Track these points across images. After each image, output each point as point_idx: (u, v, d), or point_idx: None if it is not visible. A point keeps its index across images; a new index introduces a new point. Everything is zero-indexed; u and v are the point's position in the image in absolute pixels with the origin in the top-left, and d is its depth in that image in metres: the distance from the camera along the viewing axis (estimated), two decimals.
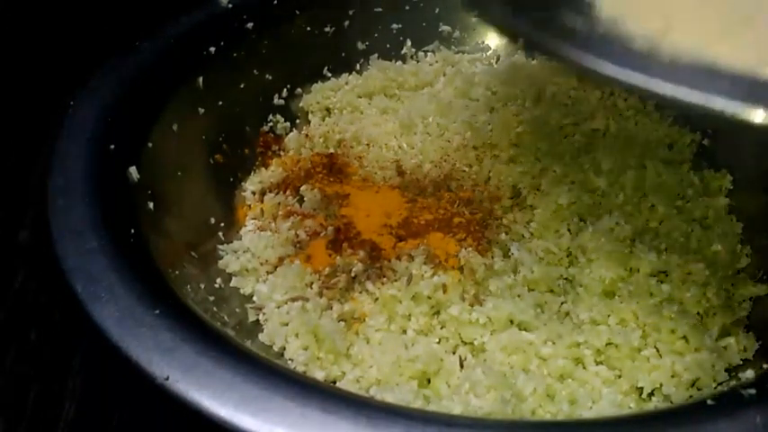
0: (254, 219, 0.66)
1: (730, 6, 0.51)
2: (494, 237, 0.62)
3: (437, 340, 0.56)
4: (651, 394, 0.53)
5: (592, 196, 0.64)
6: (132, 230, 0.54)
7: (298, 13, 0.75)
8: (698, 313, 0.57)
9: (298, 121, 0.75)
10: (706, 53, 0.48)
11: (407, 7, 0.79)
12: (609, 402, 0.52)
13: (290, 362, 0.55)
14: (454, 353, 0.56)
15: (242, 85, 0.71)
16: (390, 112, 0.74)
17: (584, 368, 0.54)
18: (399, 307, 0.57)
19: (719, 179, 0.67)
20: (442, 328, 0.57)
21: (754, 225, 0.63)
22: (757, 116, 0.43)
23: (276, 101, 0.74)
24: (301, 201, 0.66)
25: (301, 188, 0.66)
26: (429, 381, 0.54)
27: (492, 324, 0.56)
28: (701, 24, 0.50)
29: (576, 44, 0.49)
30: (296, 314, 0.57)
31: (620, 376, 0.54)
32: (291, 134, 0.73)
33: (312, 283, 0.59)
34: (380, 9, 0.78)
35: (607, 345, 0.55)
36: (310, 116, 0.75)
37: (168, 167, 0.62)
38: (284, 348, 0.55)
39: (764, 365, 0.51)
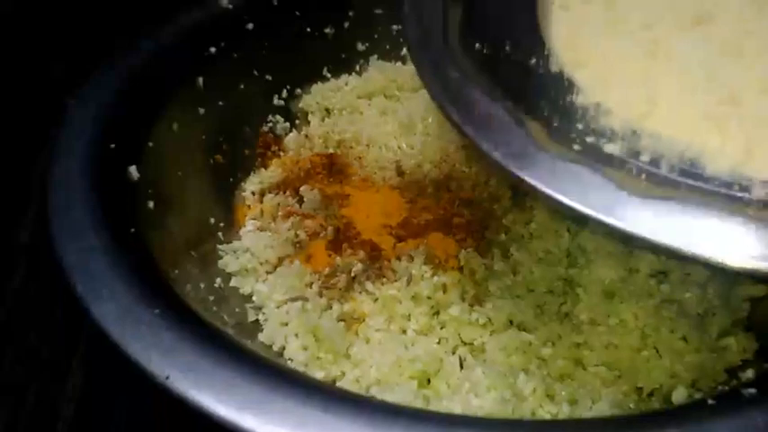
0: (254, 219, 0.66)
1: (715, 86, 0.49)
2: (493, 237, 0.62)
3: (437, 340, 0.56)
4: (651, 394, 0.53)
5: None
6: (132, 230, 0.54)
7: (298, 14, 0.74)
8: (697, 313, 0.57)
9: (297, 121, 0.75)
10: (690, 143, 0.45)
11: None
12: (609, 402, 0.52)
13: (289, 362, 0.54)
14: (454, 353, 0.56)
15: (242, 86, 0.71)
16: (390, 113, 0.74)
17: (584, 368, 0.54)
18: (399, 307, 0.57)
19: None
20: (441, 328, 0.57)
21: None
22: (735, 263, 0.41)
23: (276, 101, 0.74)
24: (301, 201, 0.66)
25: (301, 188, 0.66)
26: (429, 381, 0.54)
27: (492, 324, 0.56)
28: (685, 107, 0.48)
29: (548, 167, 0.45)
30: (296, 314, 0.57)
31: (619, 376, 0.54)
32: (291, 135, 0.73)
33: (312, 284, 0.59)
34: (380, 10, 0.78)
35: (607, 345, 0.55)
36: (310, 117, 0.75)
37: (168, 167, 0.62)
38: (284, 348, 0.55)
39: (764, 365, 0.51)
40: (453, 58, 0.53)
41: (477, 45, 0.54)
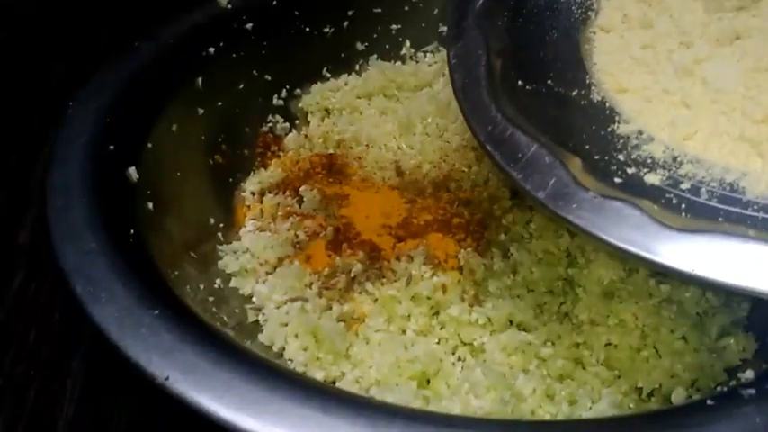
0: (254, 219, 0.66)
1: (751, 105, 0.49)
2: (493, 237, 0.62)
3: (437, 341, 0.56)
4: (651, 394, 0.53)
5: None
6: (132, 231, 0.54)
7: (297, 13, 0.74)
8: (697, 313, 0.57)
9: (297, 121, 0.75)
10: (730, 166, 0.46)
11: (407, 8, 0.79)
12: (608, 403, 0.52)
13: (289, 362, 0.55)
14: (454, 353, 0.56)
15: (241, 86, 0.71)
16: (389, 113, 0.74)
17: (584, 368, 0.54)
18: (399, 307, 0.57)
19: None
20: (441, 328, 0.57)
21: None
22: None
23: (275, 101, 0.74)
24: (301, 201, 0.66)
25: (301, 189, 0.66)
26: (429, 381, 0.54)
27: (491, 324, 0.56)
28: (723, 129, 0.48)
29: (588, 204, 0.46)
30: (295, 314, 0.57)
31: (619, 376, 0.54)
32: (291, 135, 0.73)
33: (311, 284, 0.59)
34: (380, 10, 0.78)
35: (606, 345, 0.55)
36: (310, 117, 0.75)
37: (168, 168, 0.62)
38: (284, 349, 0.55)
39: (764, 365, 0.51)
40: (497, 101, 0.53)
41: (519, 83, 0.54)
